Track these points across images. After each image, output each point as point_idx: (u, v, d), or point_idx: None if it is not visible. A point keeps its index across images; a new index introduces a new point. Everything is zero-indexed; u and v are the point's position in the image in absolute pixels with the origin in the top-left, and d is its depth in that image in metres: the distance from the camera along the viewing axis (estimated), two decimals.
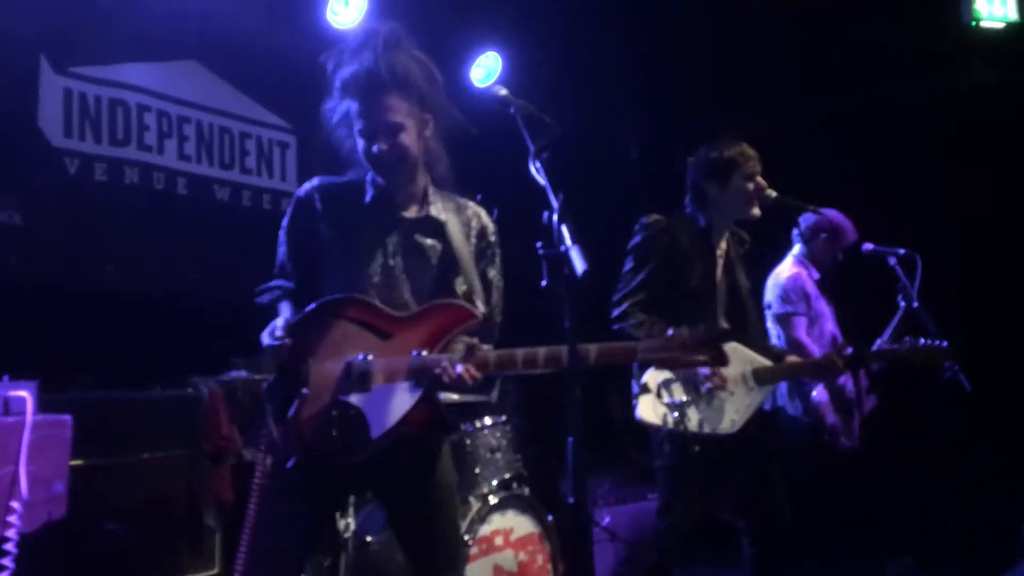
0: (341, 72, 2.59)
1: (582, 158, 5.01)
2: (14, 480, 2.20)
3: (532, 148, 2.34)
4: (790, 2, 5.53)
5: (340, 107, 2.62)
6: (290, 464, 2.47)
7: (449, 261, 2.69)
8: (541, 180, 2.27)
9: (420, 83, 2.61)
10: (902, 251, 4.45)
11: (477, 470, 4.02)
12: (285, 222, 2.75)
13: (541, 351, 2.52)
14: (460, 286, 2.69)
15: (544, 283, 2.27)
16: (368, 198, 2.68)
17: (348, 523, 3.48)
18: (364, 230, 2.65)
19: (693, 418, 3.44)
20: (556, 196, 2.21)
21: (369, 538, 3.81)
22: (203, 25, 4.88)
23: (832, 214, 4.63)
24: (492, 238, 2.81)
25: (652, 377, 3.49)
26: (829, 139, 5.99)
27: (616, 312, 3.56)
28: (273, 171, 5.40)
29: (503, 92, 2.55)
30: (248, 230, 4.96)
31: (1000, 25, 5.57)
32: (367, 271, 2.61)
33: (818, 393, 4.45)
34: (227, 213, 5.11)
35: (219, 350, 4.11)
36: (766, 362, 3.62)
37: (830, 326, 4.63)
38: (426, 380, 2.52)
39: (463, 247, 2.70)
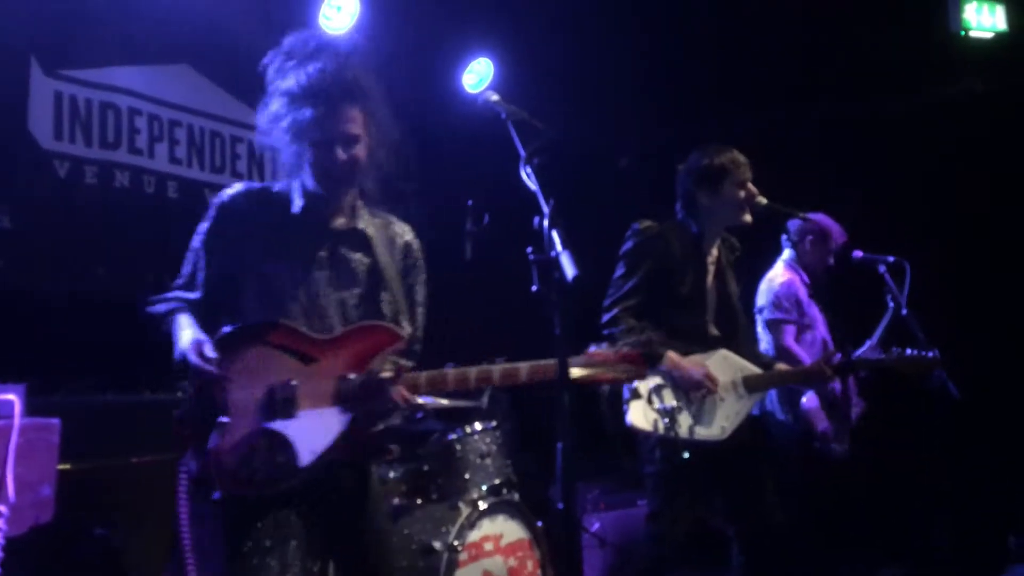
0: (293, 78, 2.52)
1: (573, 164, 5.01)
2: (1, 484, 2.18)
3: (523, 154, 2.34)
4: (780, 12, 5.56)
5: (287, 113, 2.52)
6: (216, 496, 2.36)
7: (376, 277, 2.64)
8: (532, 186, 2.28)
9: (374, 96, 2.59)
10: (891, 258, 4.47)
11: (467, 475, 4.01)
12: (204, 228, 2.63)
13: (472, 371, 2.54)
14: (387, 304, 2.64)
15: (535, 288, 2.28)
16: (296, 208, 2.59)
17: None
18: (291, 241, 2.57)
19: (683, 424, 3.45)
20: (547, 202, 2.21)
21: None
22: (195, 29, 4.87)
23: (819, 217, 4.65)
24: (418, 255, 2.77)
25: (643, 383, 3.50)
26: (819, 148, 6.02)
27: (606, 318, 3.57)
28: (264, 175, 5.39)
29: (495, 98, 2.56)
30: None
31: (989, 35, 5.61)
32: (292, 284, 2.54)
33: (808, 400, 4.47)
34: None
35: None
36: (756, 370, 3.63)
37: (822, 331, 4.65)
38: (355, 404, 2.46)
39: (389, 263, 2.66)
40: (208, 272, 2.59)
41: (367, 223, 2.69)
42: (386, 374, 2.46)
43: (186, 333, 2.47)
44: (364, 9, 5.18)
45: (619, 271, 3.65)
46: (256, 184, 2.72)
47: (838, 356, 3.76)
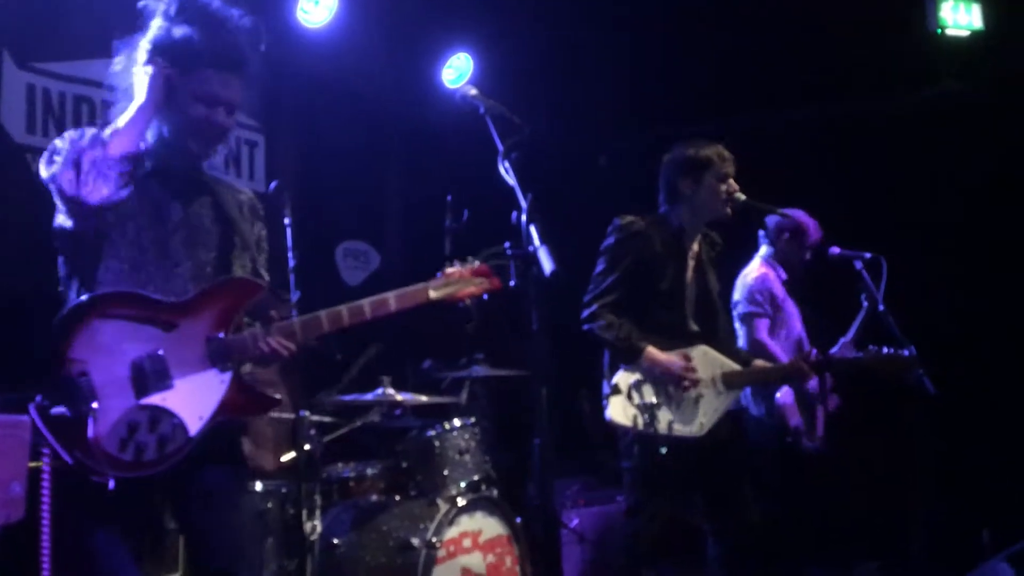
0: (194, 31, 2.45)
1: (552, 159, 5.01)
2: None
3: (501, 148, 2.33)
4: (758, 13, 5.58)
5: (186, 60, 2.43)
6: (112, 487, 2.23)
7: (228, 238, 2.59)
8: (510, 180, 2.27)
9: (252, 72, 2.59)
10: (868, 255, 4.50)
11: (446, 472, 4.00)
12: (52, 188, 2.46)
13: (343, 308, 2.51)
14: (240, 264, 2.60)
15: (512, 283, 2.27)
16: (147, 167, 2.47)
17: (315, 525, 3.45)
18: (142, 202, 2.45)
19: (663, 420, 3.46)
20: (525, 196, 2.21)
21: (336, 540, 3.79)
22: None
23: (795, 214, 4.68)
24: (259, 210, 2.74)
25: (623, 378, 3.51)
26: (797, 147, 6.05)
27: (586, 313, 3.58)
28: (241, 170, 5.34)
29: (473, 92, 2.55)
30: None
31: (965, 33, 5.65)
32: (144, 248, 2.44)
33: (782, 395, 4.50)
34: None
35: None
36: (735, 366, 3.65)
37: (798, 327, 4.68)
38: (233, 362, 2.41)
39: (239, 222, 2.62)
40: (71, 242, 2.49)
41: (214, 184, 2.64)
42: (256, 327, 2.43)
43: None
44: (342, 3, 5.15)
45: (600, 266, 3.65)
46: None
47: (815, 353, 3.78)
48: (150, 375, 2.32)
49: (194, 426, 2.34)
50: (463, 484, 4.02)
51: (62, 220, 2.46)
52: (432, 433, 4.08)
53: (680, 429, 3.48)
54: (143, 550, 3.60)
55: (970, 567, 4.59)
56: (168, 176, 2.52)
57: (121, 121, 2.39)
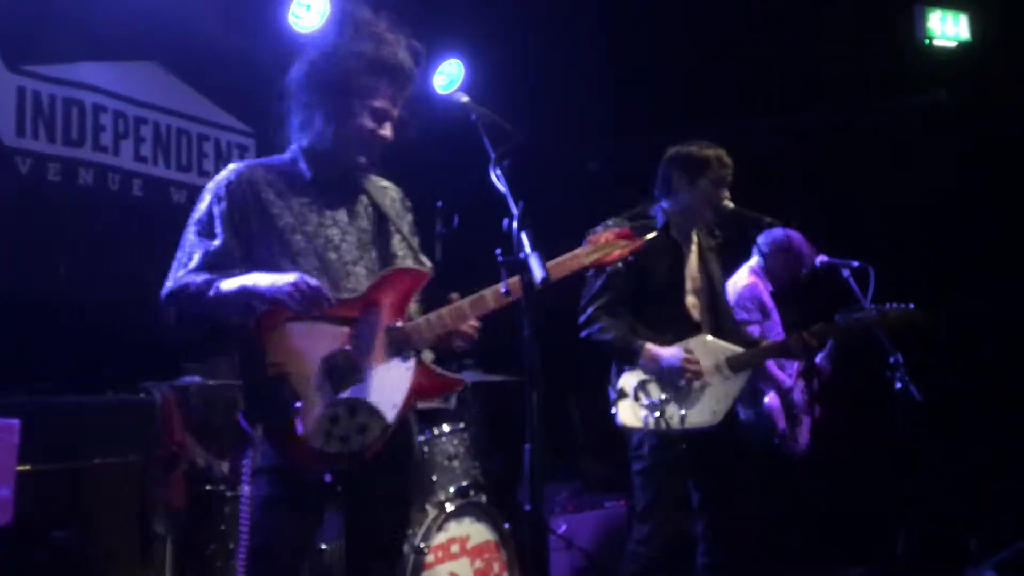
0: (371, 45, 2.57)
1: (543, 166, 5.01)
2: None
3: (493, 155, 2.34)
4: (747, 21, 5.61)
5: (357, 71, 2.56)
6: (328, 479, 2.45)
7: (386, 230, 2.72)
8: (501, 187, 2.27)
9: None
10: (855, 263, 4.52)
11: (434, 477, 4.00)
12: (218, 210, 2.56)
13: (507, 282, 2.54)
14: (401, 252, 2.73)
15: (504, 290, 2.28)
16: (308, 176, 2.64)
17: None
18: (309, 209, 2.60)
19: (674, 415, 3.45)
20: (516, 203, 2.21)
21: (323, 546, 3.78)
22: (163, 26, 4.81)
23: (794, 238, 4.69)
24: (407, 202, 2.88)
25: (627, 381, 3.51)
26: (785, 156, 6.08)
27: (582, 318, 3.58)
28: None
29: (465, 99, 2.56)
30: None
31: (952, 44, 5.69)
32: (316, 252, 2.57)
33: (770, 399, 4.52)
34: (183, 216, 4.96)
35: (172, 355, 4.04)
36: (738, 349, 3.65)
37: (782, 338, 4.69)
38: (412, 348, 2.52)
39: (394, 215, 2.75)
40: (223, 254, 2.54)
41: (371, 186, 2.77)
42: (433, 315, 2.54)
43: (261, 276, 2.45)
44: (334, 8, 5.15)
45: (591, 271, 3.66)
46: (257, 161, 2.73)
47: (818, 324, 3.75)
48: (342, 371, 2.42)
49: (390, 413, 2.46)
50: (452, 490, 4.02)
51: None
52: (421, 439, 4.08)
53: (694, 420, 3.47)
54: (131, 554, 3.60)
55: (957, 573, 4.61)
56: (329, 184, 2.66)
57: (227, 286, 2.48)
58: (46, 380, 3.76)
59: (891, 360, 4.18)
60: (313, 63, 2.61)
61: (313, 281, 2.38)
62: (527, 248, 2.13)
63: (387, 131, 2.61)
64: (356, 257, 2.62)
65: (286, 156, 2.70)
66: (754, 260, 4.81)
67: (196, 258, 2.54)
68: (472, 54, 5.82)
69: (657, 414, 3.39)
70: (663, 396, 3.46)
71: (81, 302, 4.38)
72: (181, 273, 2.54)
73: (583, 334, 3.57)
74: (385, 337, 2.50)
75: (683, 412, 3.45)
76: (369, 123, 2.58)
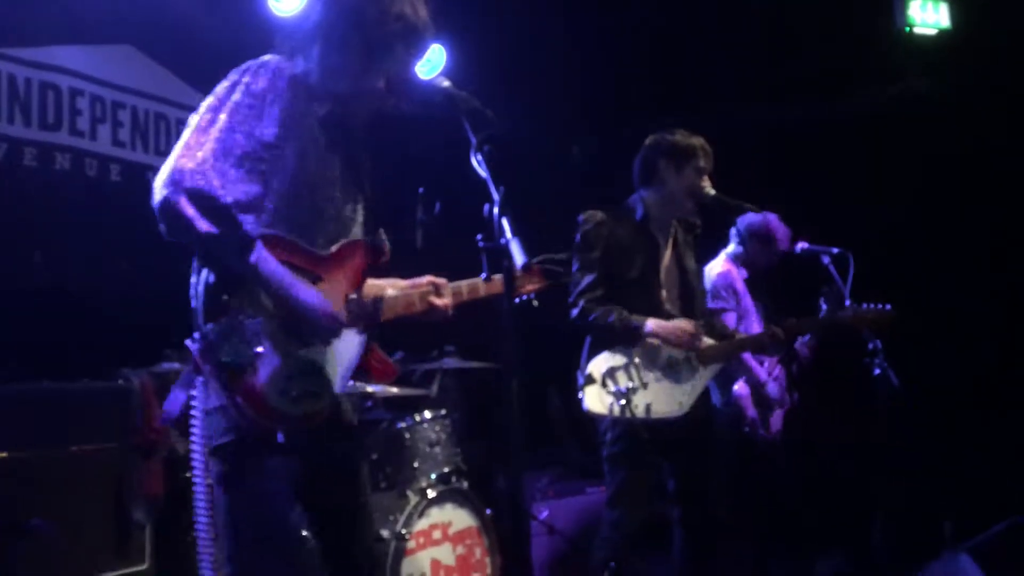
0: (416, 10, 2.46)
1: (524, 152, 5.00)
2: None
3: (474, 141, 2.33)
4: (728, 12, 5.61)
5: (402, 35, 2.43)
6: (281, 439, 2.18)
7: (370, 184, 2.58)
8: (483, 173, 2.26)
9: None
10: (835, 250, 4.54)
11: (416, 464, 4.00)
12: (262, 86, 2.30)
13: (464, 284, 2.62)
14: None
15: (484, 276, 2.27)
16: (324, 111, 2.40)
17: None
18: (322, 142, 2.40)
19: (640, 404, 3.46)
20: (497, 189, 2.20)
21: (304, 532, 3.76)
22: (139, 8, 4.76)
23: (771, 220, 4.70)
24: None
25: (596, 367, 3.52)
26: (764, 144, 6.09)
27: (574, 313, 3.59)
28: None
29: (446, 84, 2.54)
30: None
31: (933, 32, 5.72)
32: (321, 189, 2.38)
33: (740, 387, 4.54)
34: None
35: (150, 341, 4.01)
36: (710, 341, 3.67)
37: (756, 325, 4.71)
38: (372, 323, 2.40)
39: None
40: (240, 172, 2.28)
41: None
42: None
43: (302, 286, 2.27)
44: None
45: (575, 265, 3.67)
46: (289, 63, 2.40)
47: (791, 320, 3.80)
48: (308, 327, 2.26)
49: (339, 383, 2.32)
50: (433, 476, 4.02)
51: None
52: (403, 425, 4.07)
53: (659, 410, 3.49)
54: (109, 543, 3.58)
55: (932, 558, 4.66)
56: (343, 121, 2.49)
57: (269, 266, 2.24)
58: (23, 366, 3.72)
59: (870, 346, 4.21)
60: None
61: (342, 318, 2.29)
62: (508, 234, 2.12)
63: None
64: (347, 206, 2.47)
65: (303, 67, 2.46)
66: (731, 247, 4.83)
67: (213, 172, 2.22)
68: (454, 39, 5.79)
69: (623, 402, 3.40)
70: (631, 384, 3.48)
71: (58, 288, 4.34)
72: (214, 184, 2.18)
73: (578, 324, 3.58)
74: (345, 306, 2.38)
75: (649, 402, 3.47)
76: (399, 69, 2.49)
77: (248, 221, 2.22)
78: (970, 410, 5.59)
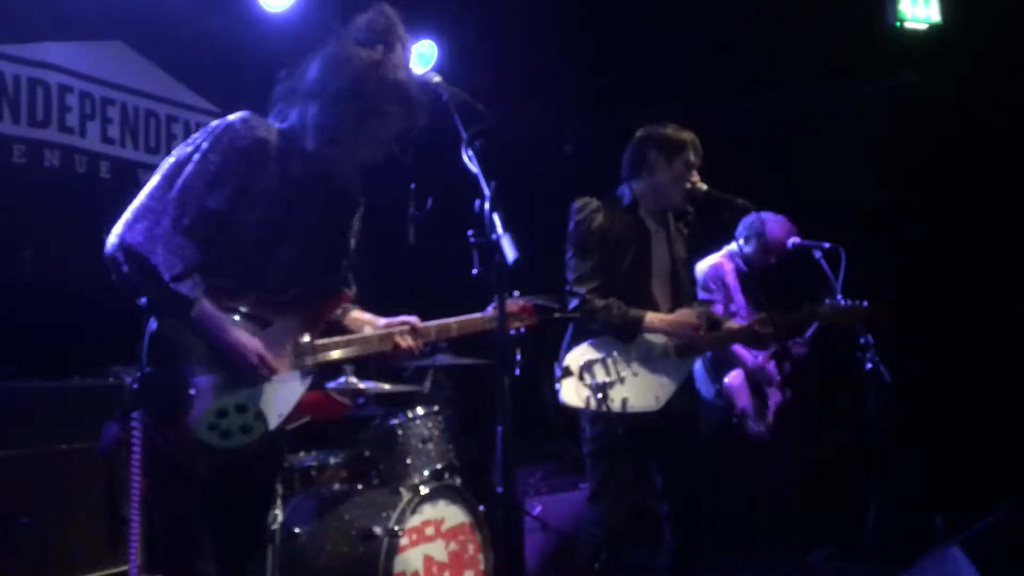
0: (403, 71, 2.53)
1: (516, 147, 5.00)
2: None
3: (465, 136, 2.32)
4: (719, 5, 5.61)
5: (388, 87, 2.50)
6: (203, 473, 2.40)
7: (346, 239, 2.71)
8: (474, 168, 2.26)
9: None
10: (827, 244, 4.55)
11: (408, 460, 4.00)
12: (216, 161, 2.40)
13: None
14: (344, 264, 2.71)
15: (475, 271, 2.27)
16: (294, 169, 2.51)
17: (276, 515, 3.43)
18: (285, 201, 2.50)
19: (616, 398, 3.45)
20: (488, 184, 2.20)
21: (297, 530, 3.77)
22: (130, 5, 4.74)
23: (775, 223, 4.69)
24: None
25: (574, 359, 3.51)
26: (755, 137, 6.09)
27: (574, 303, 3.57)
28: None
29: (437, 79, 2.54)
30: None
31: (923, 26, 5.73)
32: (283, 245, 2.51)
33: (731, 378, 4.55)
34: None
35: (141, 339, 3.99)
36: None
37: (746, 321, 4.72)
38: (319, 367, 2.53)
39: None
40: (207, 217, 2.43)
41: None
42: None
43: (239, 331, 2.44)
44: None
45: (569, 252, 3.66)
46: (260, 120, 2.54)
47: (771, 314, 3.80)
48: (244, 368, 2.39)
49: (273, 421, 2.44)
50: (426, 472, 4.01)
51: None
52: (395, 422, 4.07)
53: (636, 405, 3.48)
54: (100, 540, 3.57)
55: (924, 551, 4.68)
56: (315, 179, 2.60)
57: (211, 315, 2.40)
58: (12, 365, 3.71)
59: (861, 341, 4.22)
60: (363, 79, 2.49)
61: (272, 363, 2.41)
62: (499, 229, 2.12)
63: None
64: (323, 255, 2.62)
65: (279, 138, 2.57)
66: (733, 245, 4.82)
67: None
68: (445, 34, 5.78)
69: (599, 395, 3.40)
70: (608, 379, 3.47)
71: (47, 286, 4.32)
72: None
73: (580, 317, 3.57)
74: (293, 349, 2.50)
75: (625, 396, 3.47)
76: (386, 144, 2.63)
77: (192, 281, 2.34)
78: (964, 403, 5.61)
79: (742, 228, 4.77)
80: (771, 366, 4.57)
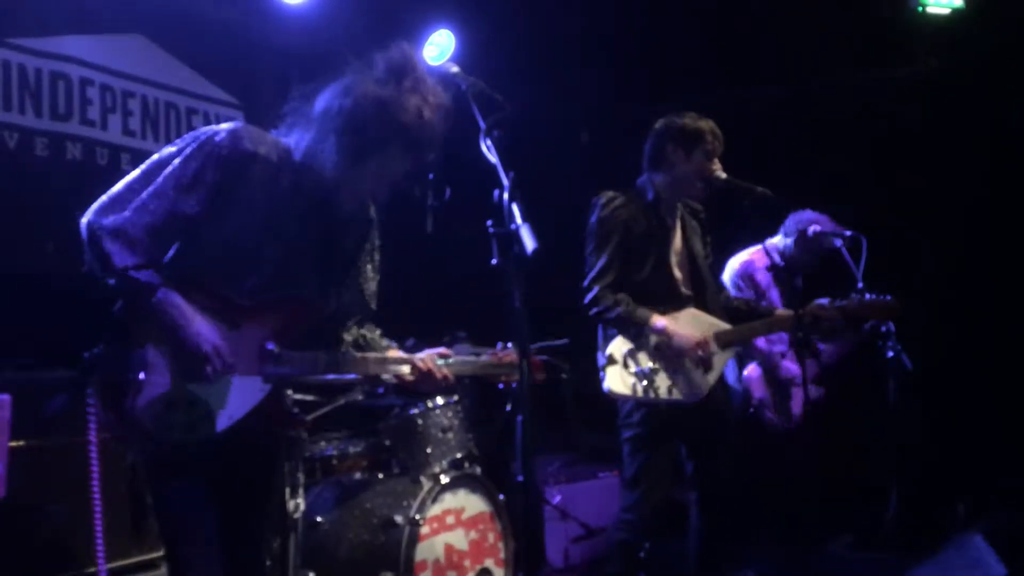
0: (421, 124, 2.49)
1: (534, 137, 4.99)
2: None
3: (483, 126, 2.32)
4: None
5: (384, 127, 2.48)
6: (135, 457, 2.42)
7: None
8: (492, 158, 2.26)
9: None
10: (848, 232, 4.51)
11: (428, 450, 4.02)
12: (194, 167, 2.43)
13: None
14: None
15: (494, 262, 2.27)
16: (284, 182, 2.52)
17: (298, 504, 3.45)
18: (270, 213, 2.50)
19: (662, 385, 3.47)
20: (507, 174, 2.20)
21: (319, 518, 3.80)
22: None
23: (819, 222, 4.63)
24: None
25: (617, 347, 3.52)
26: (776, 125, 6.06)
27: (588, 297, 3.58)
28: None
29: (455, 70, 2.54)
30: None
31: (945, 11, 5.67)
32: (263, 254, 2.51)
33: (750, 370, 4.54)
34: None
35: None
36: (726, 325, 3.66)
37: None
38: (282, 378, 2.50)
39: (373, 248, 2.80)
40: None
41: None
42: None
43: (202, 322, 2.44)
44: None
45: (589, 246, 3.66)
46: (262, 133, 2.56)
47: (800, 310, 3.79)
48: (201, 364, 2.37)
49: (222, 422, 2.40)
50: (446, 462, 4.03)
51: None
52: (415, 411, 4.09)
53: (681, 392, 3.49)
54: (125, 530, 3.61)
55: (944, 540, 4.66)
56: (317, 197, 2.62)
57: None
58: (37, 356, 3.74)
59: (883, 329, 4.19)
60: (374, 108, 2.48)
61: (228, 358, 2.40)
62: (518, 219, 2.12)
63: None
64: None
65: (278, 153, 2.57)
66: (777, 238, 4.78)
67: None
68: (462, 25, 5.77)
69: (645, 382, 3.40)
70: (652, 365, 3.47)
71: (70, 278, 4.35)
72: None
73: (592, 312, 3.58)
74: (259, 355, 2.47)
75: (670, 383, 3.47)
76: (383, 184, 2.63)
77: (149, 272, 2.38)
78: (983, 391, 5.57)
79: (791, 223, 4.73)
80: (793, 365, 4.54)
